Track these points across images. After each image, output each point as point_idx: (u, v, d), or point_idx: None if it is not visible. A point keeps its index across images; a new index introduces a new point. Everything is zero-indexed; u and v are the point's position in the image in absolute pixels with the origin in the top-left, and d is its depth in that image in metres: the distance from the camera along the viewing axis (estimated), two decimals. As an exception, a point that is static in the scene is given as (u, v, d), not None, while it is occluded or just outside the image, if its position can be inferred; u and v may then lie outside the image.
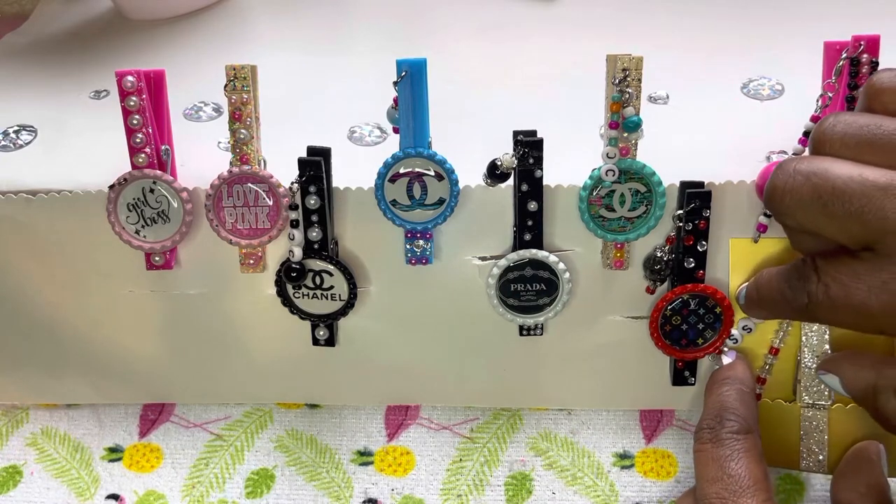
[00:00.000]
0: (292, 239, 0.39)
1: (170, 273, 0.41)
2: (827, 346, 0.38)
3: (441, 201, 0.38)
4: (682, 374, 0.40)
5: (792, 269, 0.33)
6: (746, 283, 0.38)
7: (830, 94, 0.36)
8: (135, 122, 0.38)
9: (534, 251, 0.38)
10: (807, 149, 0.36)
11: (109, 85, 0.49)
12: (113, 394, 0.45)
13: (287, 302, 0.40)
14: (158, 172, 0.39)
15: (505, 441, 0.43)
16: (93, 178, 0.41)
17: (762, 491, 0.33)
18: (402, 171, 0.38)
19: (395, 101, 0.37)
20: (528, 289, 0.39)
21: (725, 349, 0.39)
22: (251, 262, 0.40)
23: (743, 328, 0.39)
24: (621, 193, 0.37)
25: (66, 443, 0.45)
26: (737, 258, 0.38)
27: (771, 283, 0.35)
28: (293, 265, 0.39)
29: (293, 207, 0.38)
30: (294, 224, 0.38)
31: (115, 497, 0.43)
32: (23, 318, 0.44)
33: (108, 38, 0.56)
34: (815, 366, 0.38)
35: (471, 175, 0.38)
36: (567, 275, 0.38)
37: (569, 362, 0.42)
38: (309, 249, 0.39)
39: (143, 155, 0.39)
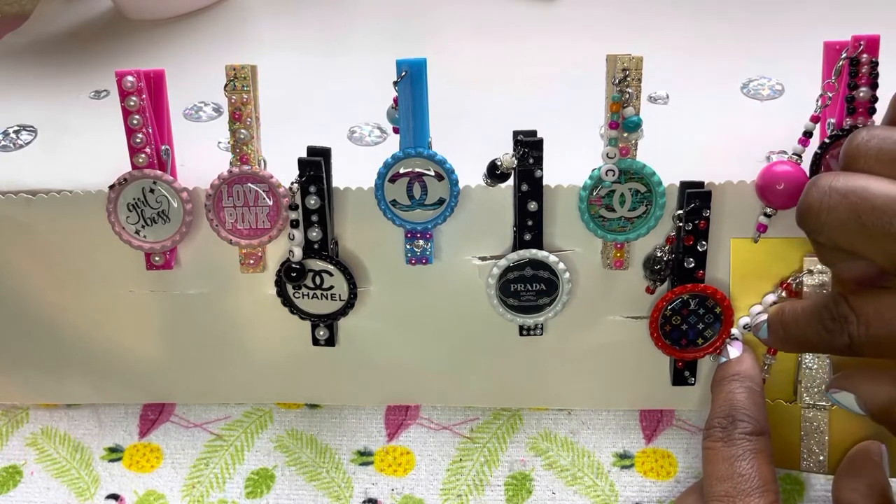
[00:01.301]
0: (292, 239, 0.39)
1: (170, 273, 0.41)
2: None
3: (441, 201, 0.38)
4: (682, 374, 0.40)
5: (823, 309, 0.32)
6: (766, 316, 0.37)
7: (830, 94, 0.36)
8: (135, 122, 0.38)
9: (534, 251, 0.38)
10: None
11: (109, 85, 0.49)
12: (113, 394, 0.45)
13: (287, 302, 0.40)
14: (158, 172, 0.39)
15: (505, 441, 0.43)
16: (93, 178, 0.41)
17: (770, 492, 0.33)
18: (402, 171, 0.38)
19: (395, 101, 0.37)
20: (528, 289, 0.39)
21: (731, 339, 0.39)
22: (251, 262, 0.40)
23: (744, 327, 0.39)
24: (621, 193, 0.37)
25: (66, 443, 0.45)
26: (737, 258, 0.38)
27: (799, 323, 0.34)
28: (293, 265, 0.39)
29: (293, 207, 0.38)
30: (294, 224, 0.38)
31: (115, 497, 0.43)
32: (23, 318, 0.44)
33: (108, 38, 0.56)
34: (815, 366, 0.38)
35: (471, 175, 0.38)
36: (567, 275, 0.38)
37: (569, 362, 0.42)
38: (309, 249, 0.39)
39: (143, 155, 0.39)
